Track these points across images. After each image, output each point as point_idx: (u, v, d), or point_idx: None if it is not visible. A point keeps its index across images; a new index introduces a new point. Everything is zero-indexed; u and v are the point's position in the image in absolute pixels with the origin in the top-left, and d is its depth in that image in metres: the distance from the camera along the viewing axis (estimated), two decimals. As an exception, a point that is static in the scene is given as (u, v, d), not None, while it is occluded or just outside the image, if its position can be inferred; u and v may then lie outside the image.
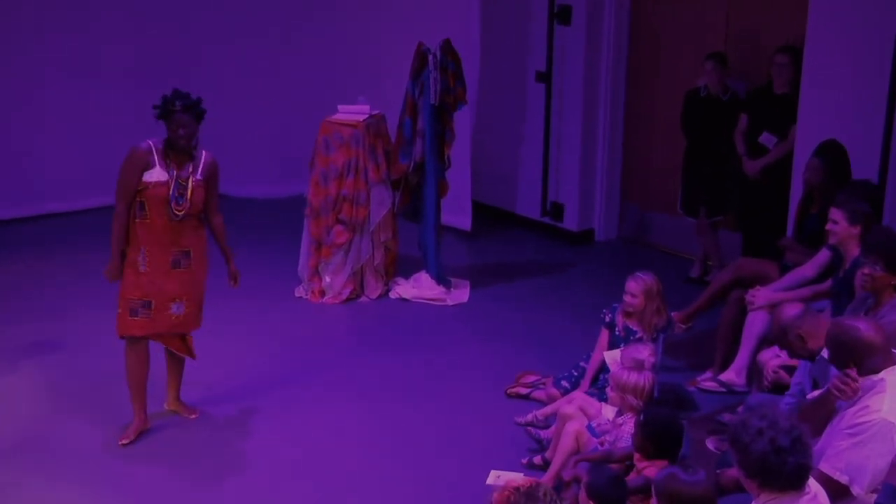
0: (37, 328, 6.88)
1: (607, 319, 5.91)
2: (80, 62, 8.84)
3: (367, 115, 7.45)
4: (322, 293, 7.48)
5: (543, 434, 5.60)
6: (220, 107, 9.22)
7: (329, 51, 9.28)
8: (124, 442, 5.59)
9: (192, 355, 5.84)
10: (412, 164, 7.34)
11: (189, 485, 5.33)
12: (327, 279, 7.45)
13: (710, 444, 5.63)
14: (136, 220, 5.46)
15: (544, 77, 8.44)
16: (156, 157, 5.42)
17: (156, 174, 5.41)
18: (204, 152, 5.55)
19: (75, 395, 6.05)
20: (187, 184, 5.43)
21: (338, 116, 7.47)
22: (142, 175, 5.40)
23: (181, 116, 5.37)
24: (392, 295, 7.55)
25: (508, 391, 6.17)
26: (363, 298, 7.52)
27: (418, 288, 7.55)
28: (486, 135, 8.78)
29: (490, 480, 5.30)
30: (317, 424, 5.88)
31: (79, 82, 8.83)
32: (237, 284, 5.84)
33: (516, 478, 5.21)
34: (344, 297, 7.46)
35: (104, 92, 8.93)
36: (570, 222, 8.67)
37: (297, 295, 7.54)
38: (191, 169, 5.47)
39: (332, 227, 7.39)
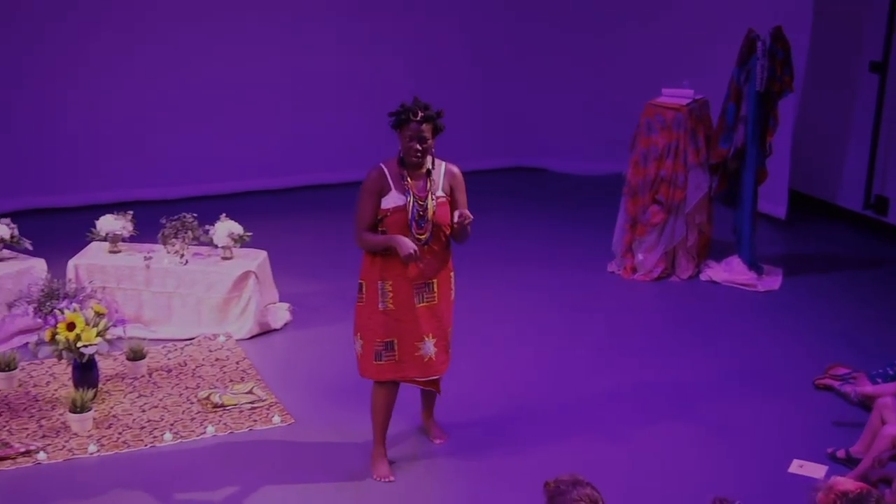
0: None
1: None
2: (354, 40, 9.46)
3: (690, 100, 7.56)
4: (633, 270, 7.70)
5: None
6: (546, 85, 9.83)
7: (657, 35, 9.41)
8: (391, 480, 5.20)
9: (438, 389, 5.39)
10: (732, 150, 7.38)
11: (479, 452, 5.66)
12: (640, 257, 7.66)
13: None
14: (377, 253, 5.01)
15: (879, 67, 8.17)
16: (390, 181, 4.96)
17: (392, 199, 4.95)
18: (444, 164, 5.07)
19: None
20: (426, 203, 4.97)
21: (661, 100, 7.63)
22: (379, 202, 4.96)
23: (418, 126, 4.87)
24: (702, 277, 7.65)
25: (817, 382, 6.14)
26: (674, 278, 7.67)
27: (730, 272, 7.60)
28: (810, 123, 8.63)
29: (792, 469, 5.33)
30: (621, 398, 6.04)
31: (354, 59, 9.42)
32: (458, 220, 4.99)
33: (820, 469, 5.28)
34: (655, 275, 7.64)
35: (391, 80, 9.45)
36: None
37: (609, 270, 7.79)
38: (428, 186, 4.99)
39: (648, 207, 7.58)
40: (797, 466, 5.36)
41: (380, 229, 4.99)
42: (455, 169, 5.11)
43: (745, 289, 7.48)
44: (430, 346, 5.11)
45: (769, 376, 6.30)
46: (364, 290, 5.08)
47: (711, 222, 7.72)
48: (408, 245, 4.88)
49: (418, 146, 4.91)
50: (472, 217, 4.96)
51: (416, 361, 5.10)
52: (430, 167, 5.02)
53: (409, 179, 4.97)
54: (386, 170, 4.99)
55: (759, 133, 7.32)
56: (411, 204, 4.94)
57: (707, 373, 6.35)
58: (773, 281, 7.59)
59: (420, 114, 4.88)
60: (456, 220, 4.99)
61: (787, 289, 7.51)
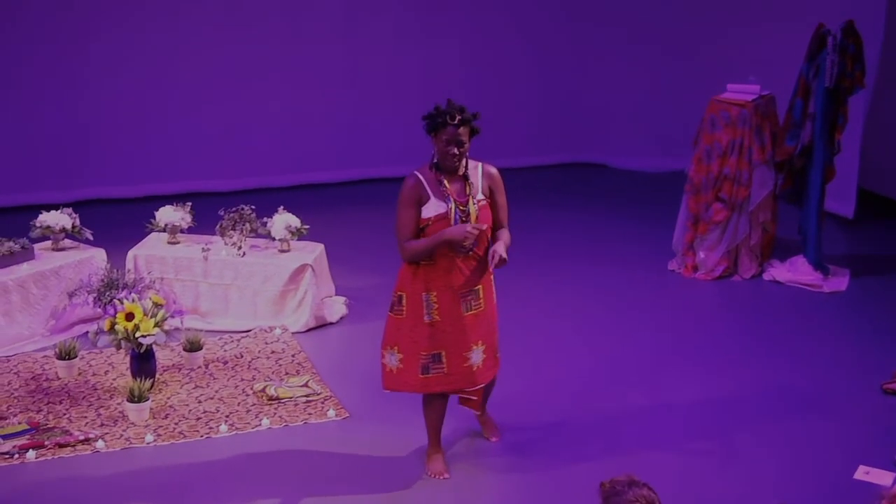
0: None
1: None
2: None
3: (756, 96, 7.42)
4: (695, 268, 7.58)
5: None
6: (608, 80, 9.73)
7: (723, 29, 9.27)
8: (446, 477, 5.15)
9: (477, 407, 5.28)
10: (799, 147, 7.23)
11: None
12: (701, 255, 7.54)
13: None
14: (420, 263, 4.88)
15: (952, 62, 7.96)
16: (428, 188, 4.83)
17: (433, 207, 4.82)
18: (481, 165, 4.93)
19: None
20: (468, 208, 4.83)
21: (726, 95, 7.49)
22: (419, 211, 4.83)
23: (455, 130, 4.72)
24: (766, 276, 7.51)
25: (885, 387, 5.98)
26: (736, 277, 7.53)
27: (794, 272, 7.45)
28: (881, 120, 8.42)
29: (858, 475, 5.22)
30: (679, 400, 5.95)
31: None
32: (493, 264, 4.84)
33: (887, 476, 5.15)
34: (717, 274, 7.51)
35: (447, 74, 9.45)
36: (969, 216, 8.16)
37: (669, 268, 7.68)
38: (468, 190, 4.86)
39: (710, 205, 7.45)
40: (863, 473, 5.24)
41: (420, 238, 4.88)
42: (493, 170, 4.97)
43: (810, 289, 7.33)
44: (478, 354, 5.00)
45: (835, 380, 6.16)
46: (404, 301, 4.94)
47: (776, 221, 7.58)
48: (461, 228, 4.76)
49: (456, 150, 4.76)
50: (506, 261, 4.79)
51: (465, 372, 4.99)
52: (467, 170, 4.88)
53: (447, 185, 4.83)
54: (422, 177, 4.85)
55: (828, 130, 7.16)
56: (453, 210, 4.81)
57: (770, 375, 6.23)
58: (839, 282, 7.42)
59: (457, 117, 4.73)
60: (491, 262, 4.80)
61: (854, 290, 7.35)
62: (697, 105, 7.75)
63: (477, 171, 4.92)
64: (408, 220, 4.83)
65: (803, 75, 7.15)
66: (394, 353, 5.01)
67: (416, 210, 4.83)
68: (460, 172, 4.87)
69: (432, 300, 4.89)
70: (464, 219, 4.81)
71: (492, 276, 5.05)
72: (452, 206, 4.81)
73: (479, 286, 4.95)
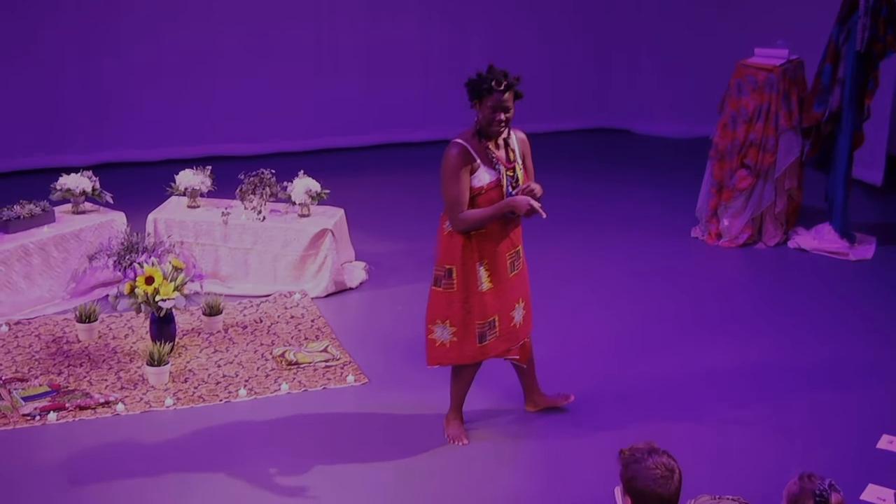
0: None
1: None
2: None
3: (784, 60, 7.29)
4: (718, 236, 7.49)
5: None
6: (631, 43, 9.60)
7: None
8: (465, 442, 5.15)
9: (524, 362, 5.24)
10: (827, 113, 7.11)
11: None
12: (725, 222, 7.45)
13: None
14: (471, 233, 4.82)
15: None
16: (476, 156, 4.75)
17: (484, 175, 4.76)
18: (512, 131, 4.86)
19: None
20: (516, 174, 4.81)
21: (754, 60, 7.36)
22: (471, 179, 4.75)
23: (501, 96, 4.63)
24: (791, 244, 7.42)
25: (910, 357, 5.95)
26: (760, 245, 7.45)
27: (819, 240, 7.36)
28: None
29: (881, 444, 5.17)
30: (701, 371, 5.88)
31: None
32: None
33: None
34: (741, 241, 7.43)
35: (468, 38, 9.37)
36: None
37: (693, 235, 7.60)
38: (511, 156, 4.83)
39: (735, 171, 7.35)
40: (887, 442, 5.19)
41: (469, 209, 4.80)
42: (522, 134, 4.96)
43: (836, 258, 7.24)
44: (520, 312, 5.05)
45: (859, 349, 6.09)
46: (455, 275, 4.86)
47: (802, 188, 7.47)
48: (525, 200, 4.71)
49: (503, 116, 4.69)
50: (534, 192, 4.78)
51: (512, 331, 5.04)
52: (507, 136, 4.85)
53: (494, 152, 4.78)
54: (467, 145, 4.75)
55: (857, 95, 7.03)
56: (505, 177, 4.78)
57: (794, 344, 6.17)
58: (865, 250, 7.32)
59: (503, 82, 4.65)
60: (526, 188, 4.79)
61: (881, 258, 7.25)
62: (723, 69, 7.63)
63: (512, 137, 4.89)
64: (462, 189, 4.72)
65: (833, 39, 7.02)
66: (446, 328, 4.95)
67: (468, 178, 4.73)
68: (501, 139, 4.82)
69: (485, 268, 4.86)
70: (514, 184, 4.79)
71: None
72: (504, 172, 4.78)
73: (520, 246, 4.98)
